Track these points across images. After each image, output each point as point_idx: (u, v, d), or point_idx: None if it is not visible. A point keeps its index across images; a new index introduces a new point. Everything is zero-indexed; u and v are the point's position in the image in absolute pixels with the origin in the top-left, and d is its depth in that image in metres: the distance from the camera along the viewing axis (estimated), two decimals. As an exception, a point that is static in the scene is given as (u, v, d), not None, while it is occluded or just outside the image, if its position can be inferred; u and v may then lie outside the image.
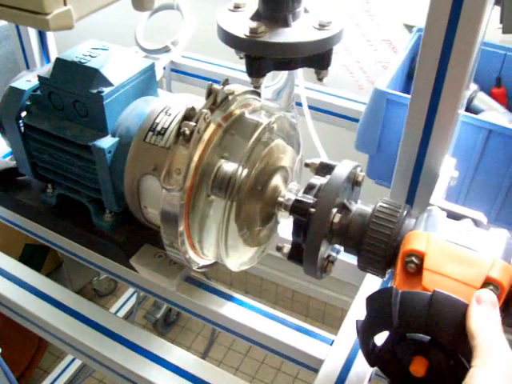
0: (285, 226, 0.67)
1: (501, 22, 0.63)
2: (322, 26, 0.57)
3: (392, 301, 0.45)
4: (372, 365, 0.52)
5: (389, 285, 0.71)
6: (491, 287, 0.47)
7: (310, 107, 0.90)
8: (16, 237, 1.55)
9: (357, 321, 0.51)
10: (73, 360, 1.54)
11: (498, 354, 0.40)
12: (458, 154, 0.74)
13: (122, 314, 1.68)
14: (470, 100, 0.97)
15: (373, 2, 1.23)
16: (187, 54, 1.18)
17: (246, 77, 0.65)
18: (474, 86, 0.97)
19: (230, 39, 0.57)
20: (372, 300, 0.48)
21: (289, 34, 0.56)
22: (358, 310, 0.70)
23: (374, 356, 0.51)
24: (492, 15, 0.63)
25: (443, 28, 0.58)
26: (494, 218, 0.84)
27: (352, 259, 0.71)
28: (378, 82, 0.86)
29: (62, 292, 0.75)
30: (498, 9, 0.67)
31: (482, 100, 0.97)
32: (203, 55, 1.17)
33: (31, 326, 0.76)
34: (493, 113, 0.94)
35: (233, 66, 1.12)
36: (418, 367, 0.46)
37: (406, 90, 0.99)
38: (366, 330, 0.50)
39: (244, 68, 0.61)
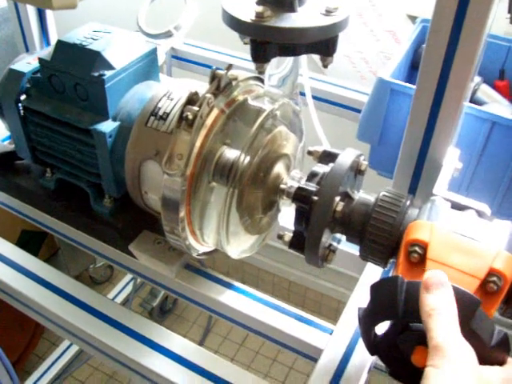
0: (285, 214, 0.66)
1: (509, 11, 0.63)
2: (328, 12, 0.56)
3: (398, 290, 0.45)
4: (372, 353, 0.52)
5: (390, 274, 0.71)
6: (495, 278, 0.47)
7: (313, 97, 0.89)
8: (13, 223, 1.55)
9: (359, 308, 0.51)
10: (68, 347, 1.54)
11: (454, 354, 0.39)
12: (461, 145, 0.73)
13: (118, 301, 1.68)
14: (474, 92, 0.96)
15: (376, -8, 1.22)
16: (188, 41, 1.17)
17: (248, 65, 0.64)
18: (477, 78, 0.97)
19: (235, 23, 0.56)
20: (376, 288, 0.48)
21: (295, 19, 0.55)
22: (357, 300, 0.70)
23: (374, 345, 0.51)
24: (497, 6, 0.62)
25: (450, 18, 0.57)
26: (495, 209, 0.84)
27: (352, 249, 0.71)
28: (381, 72, 0.85)
29: (60, 277, 0.75)
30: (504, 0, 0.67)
31: (485, 92, 0.97)
32: (204, 42, 1.16)
33: (28, 310, 0.75)
34: (496, 105, 0.94)
35: (234, 53, 1.11)
36: (420, 357, 0.46)
37: (409, 80, 0.99)
38: (368, 319, 0.49)
39: (246, 55, 0.60)
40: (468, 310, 0.43)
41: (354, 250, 0.70)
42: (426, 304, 0.43)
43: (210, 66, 1.10)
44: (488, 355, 0.43)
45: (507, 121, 0.77)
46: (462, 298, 0.44)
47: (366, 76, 1.34)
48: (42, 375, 1.48)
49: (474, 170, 0.83)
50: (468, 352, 0.40)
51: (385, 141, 0.89)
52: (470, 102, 0.93)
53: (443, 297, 0.43)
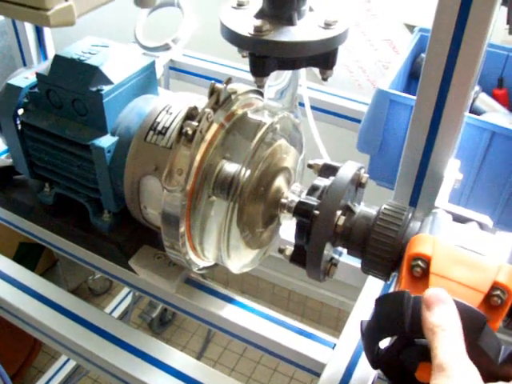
0: (286, 227, 0.66)
1: (508, 22, 0.63)
2: (327, 25, 0.56)
3: (404, 305, 0.44)
4: (375, 368, 0.51)
5: (392, 288, 0.70)
6: (498, 292, 0.46)
7: (312, 107, 0.89)
8: (10, 235, 1.54)
9: (361, 321, 0.50)
10: (68, 360, 1.53)
11: (459, 374, 0.38)
12: (460, 155, 0.73)
13: (117, 313, 1.67)
14: (472, 101, 0.96)
15: (374, 2, 1.22)
16: (187, 52, 1.16)
17: (246, 76, 0.63)
18: (475, 87, 0.97)
19: (234, 37, 0.55)
20: (382, 302, 0.47)
21: (294, 33, 0.55)
22: (360, 313, 0.69)
23: (377, 359, 0.50)
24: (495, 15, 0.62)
25: (451, 28, 0.57)
26: (496, 220, 0.84)
27: (353, 261, 0.71)
28: (380, 83, 0.85)
29: (57, 292, 0.74)
30: (503, 9, 0.66)
31: (484, 101, 0.97)
32: (203, 53, 1.16)
33: (25, 326, 0.74)
34: (495, 114, 0.94)
35: (233, 64, 1.11)
36: (424, 373, 0.45)
37: (408, 90, 0.99)
38: (372, 333, 0.49)
39: (244, 67, 0.60)
40: (475, 326, 0.43)
41: (355, 262, 0.70)
42: (428, 322, 0.42)
43: (208, 78, 1.10)
44: (495, 372, 0.43)
45: (507, 130, 0.77)
46: (468, 315, 0.43)
47: (363, 85, 1.34)
48: (41, 388, 1.48)
49: (474, 180, 0.82)
50: (472, 372, 0.39)
51: (384, 151, 0.88)
52: (469, 111, 0.93)
53: (445, 314, 0.42)
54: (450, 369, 0.38)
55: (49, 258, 1.80)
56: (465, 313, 0.43)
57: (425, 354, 0.46)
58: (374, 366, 0.51)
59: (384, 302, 0.47)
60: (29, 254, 1.70)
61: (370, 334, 0.49)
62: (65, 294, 0.74)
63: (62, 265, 1.84)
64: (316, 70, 0.64)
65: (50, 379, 1.49)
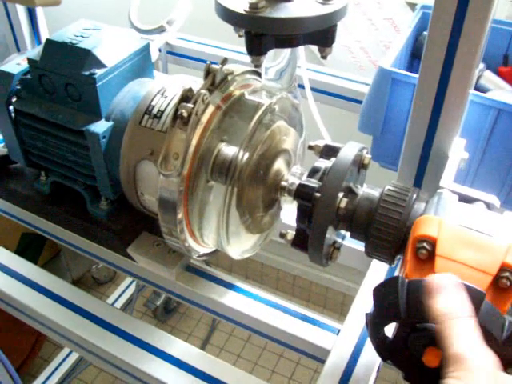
0: (287, 211, 0.64)
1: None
2: (325, 0, 0.54)
3: (399, 290, 0.43)
4: (384, 359, 0.50)
5: (397, 272, 0.69)
6: (507, 274, 0.45)
7: (312, 89, 0.87)
8: (13, 226, 1.53)
9: (366, 314, 0.49)
10: (73, 349, 1.52)
11: (477, 365, 0.35)
12: (465, 134, 0.71)
13: (121, 301, 1.67)
14: (477, 79, 0.94)
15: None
16: (183, 36, 1.14)
17: (244, 58, 0.61)
18: (480, 65, 0.94)
19: (228, 15, 0.53)
20: (378, 291, 0.46)
21: (291, 9, 0.52)
22: (364, 298, 0.68)
23: (385, 349, 0.49)
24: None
25: (453, 4, 0.54)
26: (503, 199, 0.82)
27: (357, 245, 0.69)
28: (382, 61, 0.83)
29: (58, 283, 0.73)
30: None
31: (489, 79, 0.94)
32: (199, 36, 1.14)
33: (27, 318, 0.73)
34: (500, 92, 0.92)
35: (230, 47, 1.09)
36: (432, 357, 0.44)
37: (410, 69, 0.97)
38: (374, 323, 0.47)
39: (242, 49, 0.58)
40: (473, 304, 0.41)
41: (358, 245, 0.68)
42: (433, 311, 0.39)
43: (205, 61, 1.08)
44: (500, 350, 0.41)
45: (514, 108, 0.75)
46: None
47: (364, 66, 1.31)
48: (47, 378, 1.47)
49: (479, 159, 0.80)
50: (490, 360, 0.36)
51: (387, 132, 0.86)
52: (474, 89, 0.91)
53: (451, 301, 0.39)
54: (467, 359, 0.35)
55: (52, 247, 1.80)
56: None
57: (430, 339, 0.45)
58: (383, 357, 0.50)
59: (380, 290, 0.46)
60: (32, 245, 1.69)
61: (373, 324, 0.48)
62: (66, 286, 0.73)
63: (65, 254, 1.84)
64: (315, 50, 0.61)
65: (55, 369, 1.49)
